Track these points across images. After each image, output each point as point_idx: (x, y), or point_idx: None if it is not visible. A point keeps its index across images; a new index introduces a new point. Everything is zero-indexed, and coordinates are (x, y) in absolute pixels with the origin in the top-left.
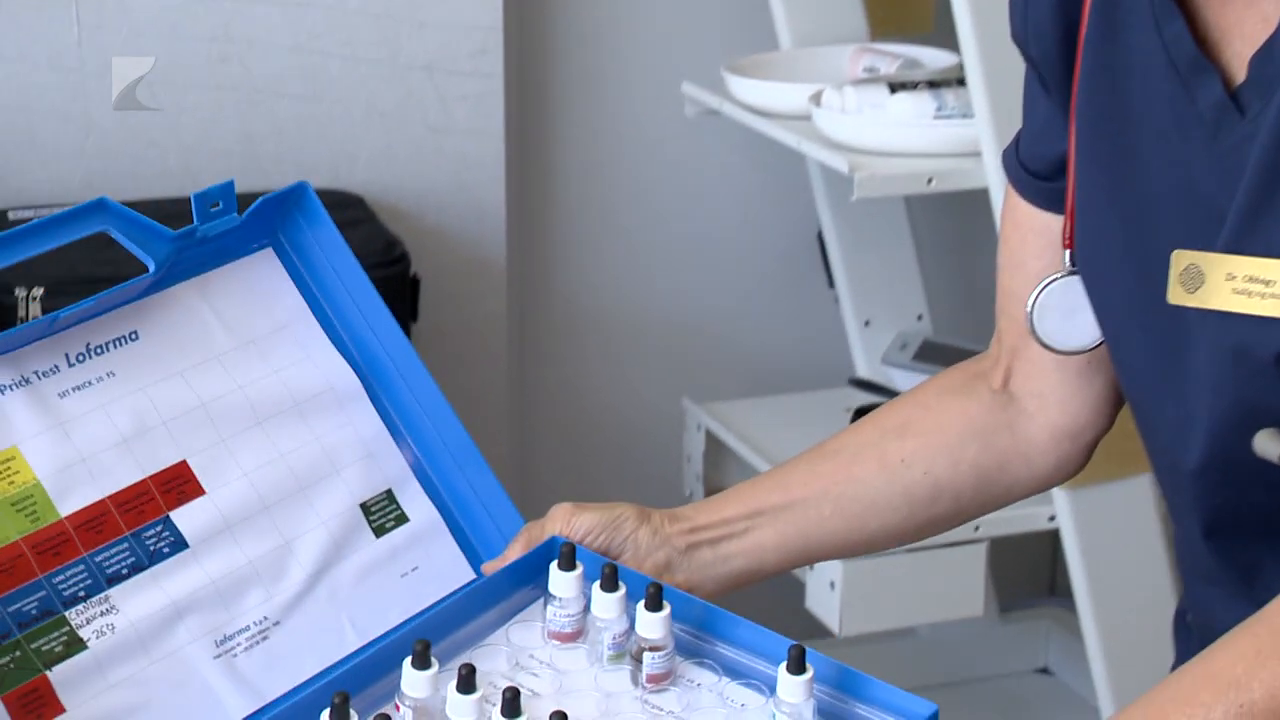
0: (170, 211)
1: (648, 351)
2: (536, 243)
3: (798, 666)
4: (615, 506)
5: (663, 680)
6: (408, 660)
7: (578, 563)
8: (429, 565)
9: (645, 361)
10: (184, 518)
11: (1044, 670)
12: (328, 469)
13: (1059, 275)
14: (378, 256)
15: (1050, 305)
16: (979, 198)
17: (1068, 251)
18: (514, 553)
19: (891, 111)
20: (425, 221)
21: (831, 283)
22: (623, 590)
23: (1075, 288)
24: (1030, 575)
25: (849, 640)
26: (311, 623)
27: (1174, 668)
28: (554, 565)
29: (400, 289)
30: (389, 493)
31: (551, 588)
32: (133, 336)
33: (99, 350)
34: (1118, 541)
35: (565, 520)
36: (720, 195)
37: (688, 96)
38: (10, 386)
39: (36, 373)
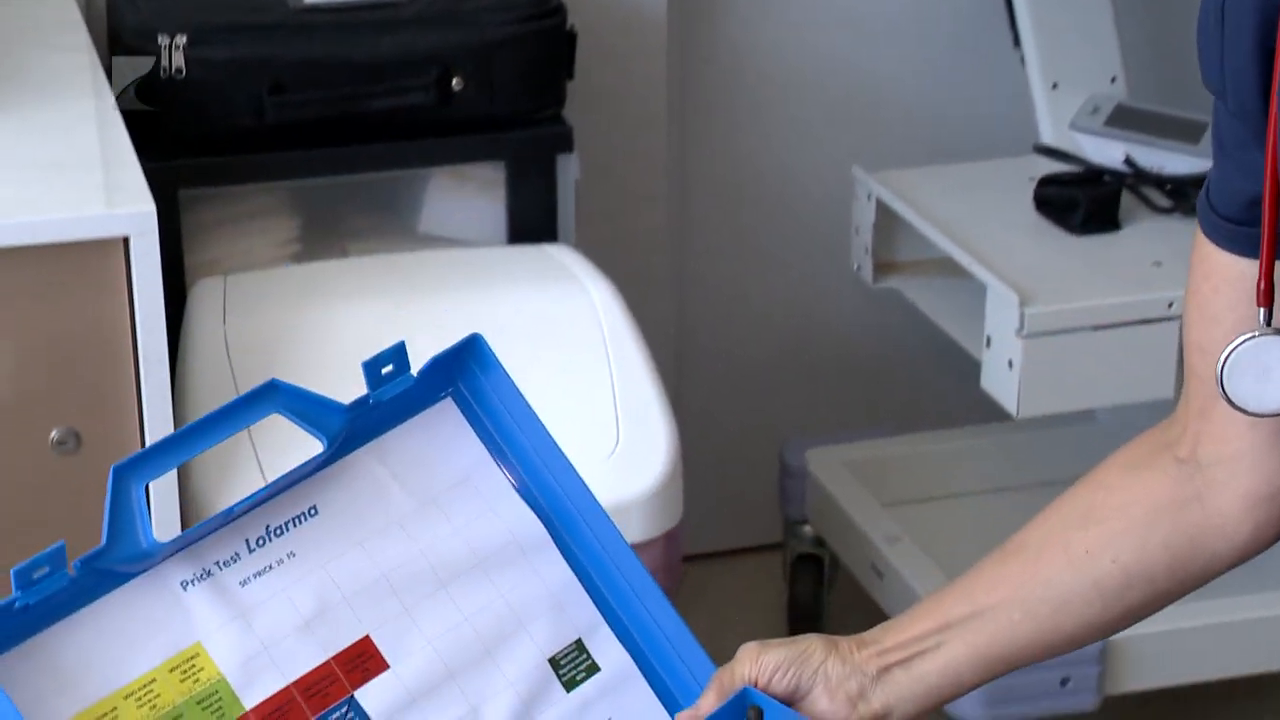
0: None
1: (816, 115)
2: None
3: None
4: (801, 640)
5: None
6: None
7: None
8: (622, 715)
9: (813, 126)
10: (369, 696)
11: None
12: (514, 626)
13: (1252, 335)
14: (532, 9)
15: (1243, 365)
16: None
17: (1263, 310)
18: (706, 703)
19: None
20: None
21: (1017, 41)
22: None
23: (1272, 348)
24: None
25: (1025, 423)
26: None
27: None
28: None
29: (556, 44)
30: (579, 643)
31: None
32: (311, 512)
33: (278, 531)
34: None
35: (753, 661)
36: None
37: None
38: (192, 581)
39: (218, 563)
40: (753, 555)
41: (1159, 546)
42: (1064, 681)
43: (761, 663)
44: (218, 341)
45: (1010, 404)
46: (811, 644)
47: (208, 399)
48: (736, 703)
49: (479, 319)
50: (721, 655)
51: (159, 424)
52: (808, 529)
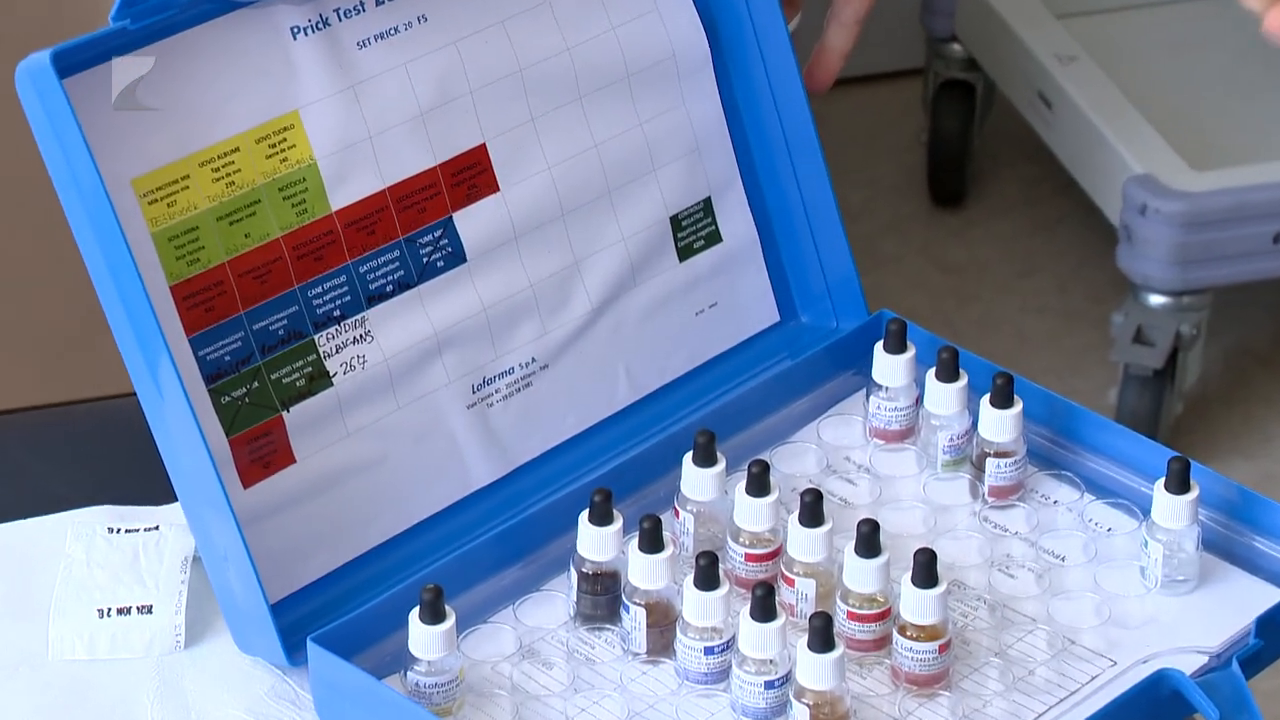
0: None
1: None
2: None
3: (1179, 484)
4: None
5: (1009, 494)
6: (688, 456)
7: (909, 343)
8: (730, 301)
9: None
10: (468, 222)
11: None
12: (645, 165)
13: None
14: None
15: None
16: None
17: None
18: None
19: None
20: None
21: None
22: (964, 380)
23: None
24: None
25: None
26: (582, 369)
27: None
28: (879, 346)
29: None
30: (707, 202)
31: (876, 374)
32: None
33: None
34: None
35: None
36: None
37: None
38: (305, 30)
39: (338, 12)
40: (887, 82)
41: None
42: (1277, 238)
43: None
44: None
45: None
46: None
47: None
48: (868, 326)
49: None
50: (852, 213)
51: None
52: (956, 48)
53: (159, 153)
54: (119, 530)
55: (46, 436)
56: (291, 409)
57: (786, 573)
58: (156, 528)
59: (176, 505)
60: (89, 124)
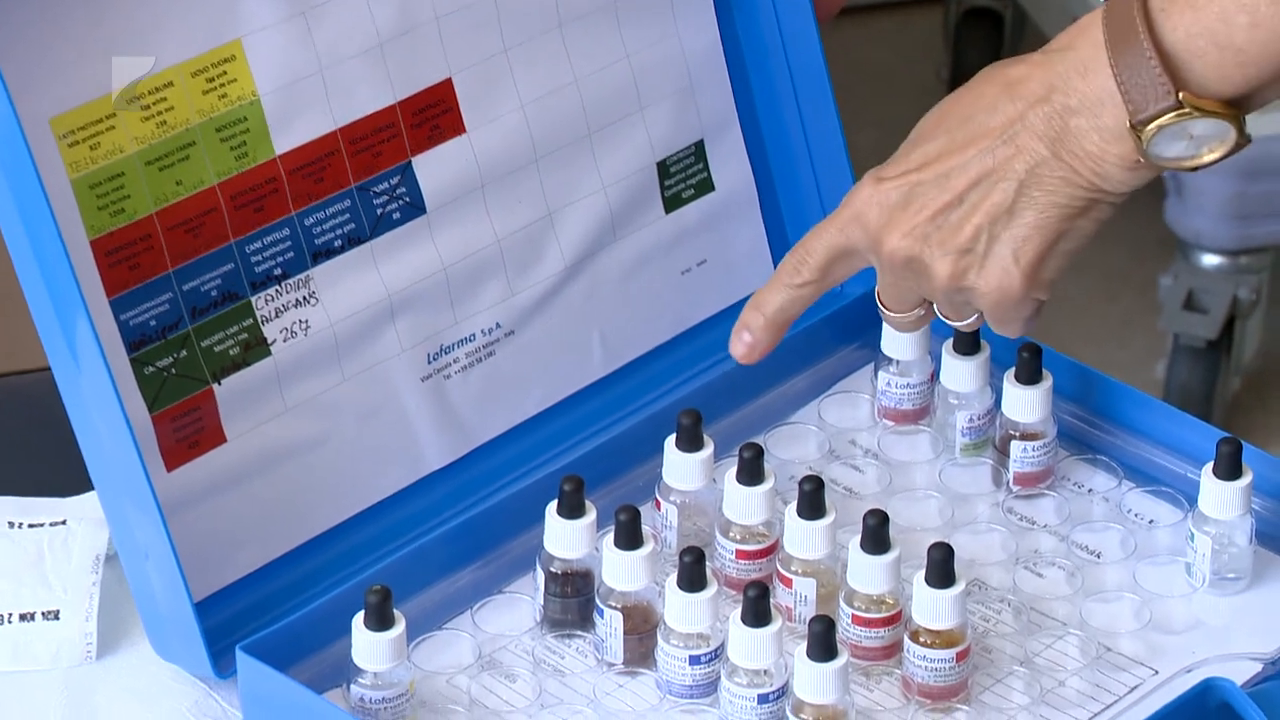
0: None
1: None
2: None
3: (1230, 469)
4: None
5: (1037, 482)
6: (671, 440)
7: None
8: (721, 258)
9: None
10: (429, 167)
11: None
12: (630, 105)
13: None
14: None
15: None
16: None
17: None
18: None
19: None
20: None
21: None
22: (985, 353)
23: None
24: None
25: None
26: (552, 336)
27: None
28: None
29: None
30: (699, 146)
31: (885, 347)
32: None
33: None
34: None
35: None
36: None
37: None
38: None
39: None
40: (904, 11)
41: None
42: None
43: None
44: None
45: None
46: None
47: None
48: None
49: None
50: (863, 159)
51: None
52: None
53: (81, 88)
54: (21, 525)
55: None
56: (223, 381)
57: (783, 571)
58: (64, 522)
59: (86, 497)
60: (2, 55)
